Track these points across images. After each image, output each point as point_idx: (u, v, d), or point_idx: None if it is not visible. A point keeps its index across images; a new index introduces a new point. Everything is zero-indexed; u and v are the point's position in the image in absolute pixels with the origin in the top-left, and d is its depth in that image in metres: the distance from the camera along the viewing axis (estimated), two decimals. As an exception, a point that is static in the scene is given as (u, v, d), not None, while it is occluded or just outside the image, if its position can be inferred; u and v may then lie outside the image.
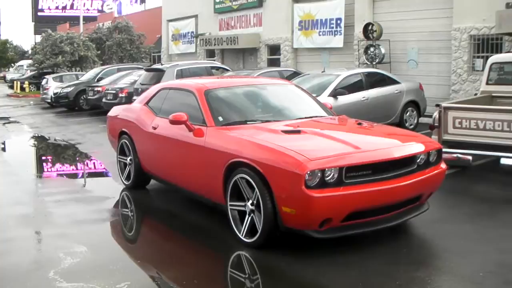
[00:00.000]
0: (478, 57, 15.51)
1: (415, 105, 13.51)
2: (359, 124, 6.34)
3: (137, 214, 7.13)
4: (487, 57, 14.93)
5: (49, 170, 10.67)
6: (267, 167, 5.04)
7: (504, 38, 14.63)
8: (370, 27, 17.94)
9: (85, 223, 6.54)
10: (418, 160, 5.52)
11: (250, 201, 5.30)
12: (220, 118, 6.20)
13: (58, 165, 11.19)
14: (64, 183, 9.29)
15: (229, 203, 5.60)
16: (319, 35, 20.82)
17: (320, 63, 20.60)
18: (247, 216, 5.39)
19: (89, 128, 16.28)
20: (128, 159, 7.93)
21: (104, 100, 18.81)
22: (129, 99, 16.76)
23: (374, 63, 17.87)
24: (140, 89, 16.04)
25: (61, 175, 10.07)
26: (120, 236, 6.37)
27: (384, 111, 12.42)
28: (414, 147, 5.57)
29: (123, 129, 8.01)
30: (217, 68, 17.80)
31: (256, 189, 5.13)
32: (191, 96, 6.67)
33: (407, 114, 13.30)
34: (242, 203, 5.45)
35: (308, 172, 4.74)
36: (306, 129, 5.79)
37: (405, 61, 17.76)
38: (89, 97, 20.98)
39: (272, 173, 4.99)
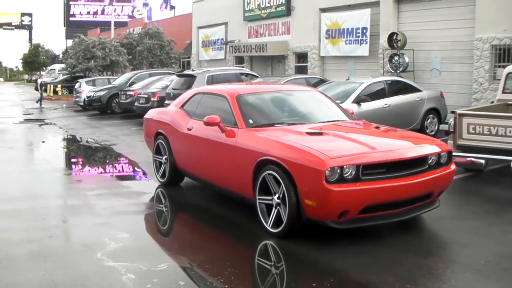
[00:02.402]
0: (499, 66, 15.90)
1: (436, 112, 13.99)
2: (377, 128, 6.94)
3: (171, 208, 7.80)
4: (508, 67, 15.40)
5: (88, 168, 11.44)
6: (292, 164, 5.66)
7: (525, 48, 15.03)
8: (394, 37, 18.46)
9: (125, 214, 7.21)
10: (429, 161, 6.08)
11: (277, 195, 5.93)
12: (251, 121, 6.84)
13: (95, 164, 11.97)
14: (103, 180, 10.03)
15: (257, 197, 6.23)
16: (346, 43, 21.38)
17: (346, 70, 21.14)
18: (273, 208, 6.01)
19: (121, 131, 17.04)
20: (164, 158, 8.60)
21: (136, 104, 19.60)
22: (161, 103, 17.42)
23: (398, 71, 18.37)
24: (172, 93, 16.74)
25: (99, 173, 10.81)
26: (157, 226, 7.00)
27: (405, 118, 12.93)
28: (426, 148, 6.13)
29: (159, 130, 8.70)
30: (246, 75, 18.46)
31: (282, 184, 5.76)
32: (224, 101, 7.33)
33: (428, 121, 13.79)
34: (269, 197, 6.07)
35: (328, 169, 5.35)
36: (328, 131, 6.40)
37: (428, 69, 18.23)
38: (121, 101, 21.81)
39: (297, 170, 5.62)
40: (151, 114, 9.51)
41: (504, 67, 15.68)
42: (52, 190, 8.69)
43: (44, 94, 31.42)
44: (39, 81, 34.05)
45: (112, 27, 43.36)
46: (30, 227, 6.47)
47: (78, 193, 8.50)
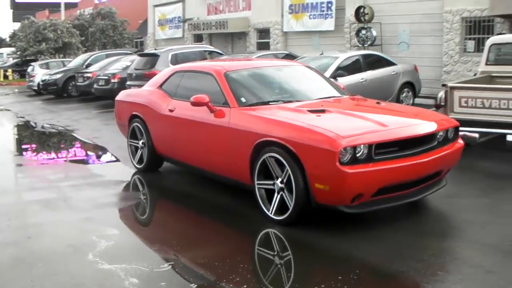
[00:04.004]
0: (469, 39, 15.76)
1: (411, 86, 13.74)
2: (378, 103, 6.50)
3: (157, 197, 7.24)
4: (479, 39, 15.30)
5: (55, 156, 10.68)
6: (299, 146, 5.15)
7: (495, 20, 14.87)
8: (361, 10, 18.10)
9: (108, 207, 6.59)
10: (438, 137, 5.69)
11: (280, 179, 5.42)
12: (243, 99, 6.29)
13: (62, 151, 11.19)
14: (73, 168, 9.32)
15: (256, 182, 5.71)
16: (310, 18, 20.93)
17: (310, 46, 20.75)
18: (276, 194, 5.50)
19: (82, 114, 16.23)
20: (140, 142, 7.99)
21: (95, 86, 18.71)
22: (122, 85, 16.69)
23: (365, 45, 18.06)
24: (134, 74, 16.03)
25: (67, 161, 10.09)
26: (147, 219, 6.42)
27: (381, 92, 12.58)
28: (435, 124, 5.72)
29: (135, 113, 8.06)
30: (210, 52, 17.79)
31: (287, 167, 5.25)
32: (210, 79, 6.74)
33: (403, 95, 13.53)
34: (271, 182, 5.56)
35: (342, 149, 4.88)
36: (330, 109, 5.91)
37: (396, 43, 17.99)
38: (78, 84, 20.84)
39: (305, 151, 5.11)
40: (123, 95, 8.85)
41: (474, 39, 15.60)
42: (20, 183, 7.96)
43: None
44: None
45: (63, 8, 41.59)
46: (4, 227, 5.76)
47: (50, 185, 7.75)
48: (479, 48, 15.49)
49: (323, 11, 20.26)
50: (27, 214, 6.27)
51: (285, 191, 5.39)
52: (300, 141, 5.17)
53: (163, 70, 8.42)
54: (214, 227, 5.77)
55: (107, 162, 9.65)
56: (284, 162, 5.29)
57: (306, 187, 5.16)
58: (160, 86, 7.82)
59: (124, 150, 9.36)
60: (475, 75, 10.35)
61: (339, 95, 6.92)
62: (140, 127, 7.92)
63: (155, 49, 17.06)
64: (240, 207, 6.17)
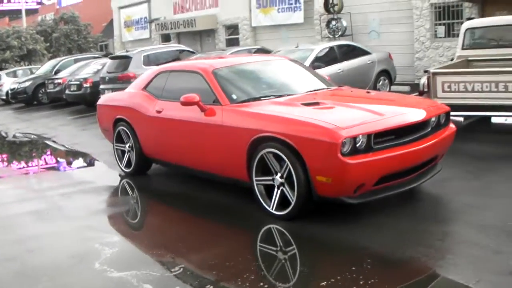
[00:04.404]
0: (439, 24, 15.95)
1: (387, 74, 13.86)
2: (368, 92, 6.54)
3: (153, 200, 7.09)
4: (449, 24, 15.50)
5: (39, 165, 10.49)
6: (298, 139, 5.14)
7: (464, 5, 15.08)
8: (331, 1, 18.15)
9: (103, 213, 6.51)
10: (431, 123, 5.74)
11: (279, 174, 5.41)
12: (234, 96, 6.25)
13: (44, 160, 10.99)
14: (60, 176, 9.11)
15: (255, 178, 5.69)
16: (278, 12, 20.92)
17: (279, 40, 20.75)
18: (275, 189, 5.49)
19: (56, 121, 15.98)
20: (127, 146, 7.90)
21: (67, 92, 18.38)
22: (95, 89, 16.57)
23: (336, 36, 18.13)
24: (107, 77, 15.82)
25: (53, 169, 9.91)
26: (147, 223, 6.31)
27: (359, 82, 12.57)
28: (429, 110, 5.78)
29: (120, 116, 7.95)
30: (181, 51, 17.65)
31: (287, 162, 5.24)
32: (197, 77, 6.68)
33: (380, 83, 13.64)
34: (269, 177, 5.55)
35: (343, 141, 4.88)
36: (324, 101, 5.91)
37: (366, 32, 18.09)
38: (49, 90, 20.42)
39: (304, 145, 5.10)
40: (105, 100, 8.72)
41: (444, 25, 15.80)
42: (7, 195, 7.76)
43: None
44: None
45: (24, 14, 40.79)
46: (1, 242, 5.62)
47: (39, 195, 7.60)
48: (449, 33, 15.72)
49: (291, 4, 20.28)
50: (22, 227, 6.10)
51: (286, 185, 5.39)
52: (299, 134, 5.16)
53: (146, 72, 8.32)
54: (216, 227, 5.72)
55: (93, 167, 9.52)
56: (284, 157, 5.28)
57: (307, 181, 5.16)
58: (145, 87, 7.72)
59: (107, 154, 9.33)
60: (452, 60, 10.47)
61: (327, 86, 6.94)
62: (127, 130, 7.82)
63: (127, 51, 16.85)
64: (238, 205, 6.14)
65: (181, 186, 7.27)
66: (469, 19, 14.54)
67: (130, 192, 7.46)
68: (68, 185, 8.04)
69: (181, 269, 4.49)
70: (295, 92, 6.49)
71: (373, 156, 5.06)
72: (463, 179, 6.51)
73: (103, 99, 8.78)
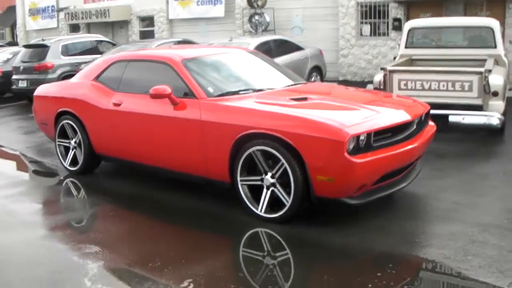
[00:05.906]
0: (365, 23, 16.17)
1: (319, 70, 13.85)
2: (347, 88, 6.33)
3: (118, 204, 6.23)
4: (375, 23, 15.76)
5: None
6: (297, 137, 4.81)
7: (390, 5, 15.38)
8: (255, -4, 17.94)
9: (67, 220, 5.59)
10: (416, 121, 5.61)
11: (270, 174, 5.06)
12: (211, 89, 5.80)
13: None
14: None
15: (239, 178, 5.30)
16: (197, 5, 20.39)
17: (198, 33, 20.27)
18: (265, 190, 5.14)
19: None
20: (73, 142, 7.22)
21: (-28, 83, 16.92)
22: (7, 79, 15.43)
23: (258, 31, 17.97)
24: (21, 67, 14.81)
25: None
26: (124, 230, 5.37)
27: (294, 78, 12.53)
28: (416, 108, 5.68)
29: (65, 109, 7.23)
30: (100, 42, 16.76)
31: (283, 160, 4.89)
32: (165, 68, 6.16)
33: (312, 79, 13.58)
34: (257, 177, 5.19)
35: (350, 139, 4.62)
36: (311, 96, 5.62)
37: (289, 28, 18.03)
38: None
39: (304, 143, 4.78)
40: (45, 90, 7.91)
41: (369, 23, 16.04)
42: None
43: None
44: None
45: None
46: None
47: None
48: (375, 32, 15.98)
49: (213, -3, 19.85)
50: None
51: (278, 186, 5.05)
52: (298, 131, 4.82)
53: (96, 60, 7.65)
54: (205, 236, 5.09)
55: (30, 166, 8.50)
56: (278, 155, 4.93)
57: (305, 180, 4.85)
58: (96, 78, 7.06)
59: (37, 150, 8.69)
60: (394, 58, 10.54)
61: (302, 81, 6.69)
62: (73, 124, 7.13)
63: (43, 40, 15.75)
64: (214, 209, 5.67)
65: (139, 187, 6.64)
66: (395, 19, 14.92)
67: (87, 194, 6.63)
68: (10, 185, 7.02)
69: (189, 283, 3.98)
70: (274, 86, 6.16)
71: (375, 155, 4.84)
72: (436, 178, 6.45)
73: (41, 90, 7.96)
